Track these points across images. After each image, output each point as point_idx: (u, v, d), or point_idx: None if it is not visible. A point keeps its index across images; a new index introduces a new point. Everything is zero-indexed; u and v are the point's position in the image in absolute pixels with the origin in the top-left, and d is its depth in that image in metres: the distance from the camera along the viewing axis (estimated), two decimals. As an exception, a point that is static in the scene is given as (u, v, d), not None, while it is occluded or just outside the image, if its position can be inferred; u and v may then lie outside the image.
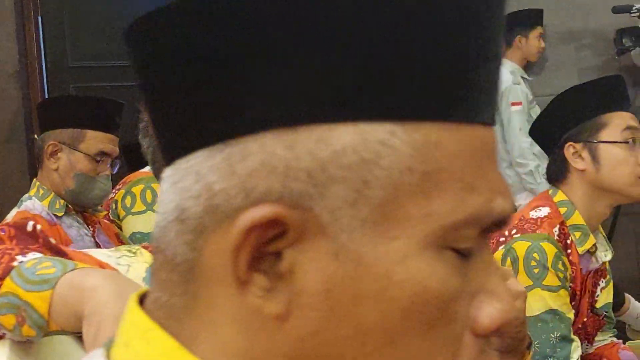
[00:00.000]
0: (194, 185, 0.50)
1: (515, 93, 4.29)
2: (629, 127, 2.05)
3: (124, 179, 2.82)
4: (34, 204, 2.48)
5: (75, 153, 2.48)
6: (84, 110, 2.49)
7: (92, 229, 2.57)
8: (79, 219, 2.55)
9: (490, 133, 0.53)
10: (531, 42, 4.46)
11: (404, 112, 0.49)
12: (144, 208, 2.71)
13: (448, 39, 0.50)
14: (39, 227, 1.09)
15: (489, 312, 0.53)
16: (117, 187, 2.78)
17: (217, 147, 0.50)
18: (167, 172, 0.53)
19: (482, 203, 0.51)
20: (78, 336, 0.99)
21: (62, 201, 2.49)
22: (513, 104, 4.29)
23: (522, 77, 4.45)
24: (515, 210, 2.64)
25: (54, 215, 2.46)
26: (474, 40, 0.51)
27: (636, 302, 3.54)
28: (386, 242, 0.49)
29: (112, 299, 0.88)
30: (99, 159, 2.49)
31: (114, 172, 2.60)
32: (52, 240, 1.08)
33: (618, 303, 3.40)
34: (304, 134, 0.48)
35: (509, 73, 4.37)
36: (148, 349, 0.52)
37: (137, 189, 2.74)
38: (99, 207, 2.63)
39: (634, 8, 4.08)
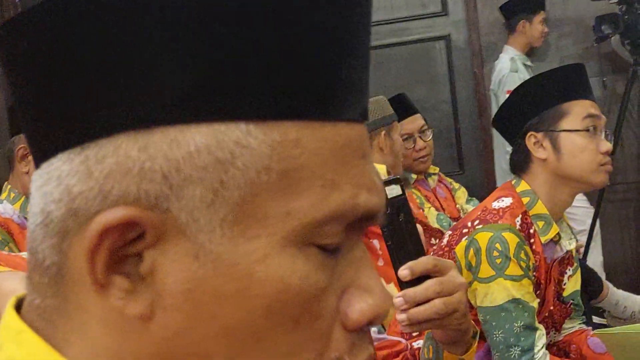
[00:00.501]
0: (55, 189, 0.51)
1: (512, 81, 4.29)
2: (589, 115, 2.05)
3: None
4: (5, 207, 2.48)
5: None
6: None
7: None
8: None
9: (358, 129, 0.53)
10: (535, 27, 4.46)
11: (260, 112, 0.49)
12: None
13: (305, 37, 0.50)
14: None
15: (359, 306, 0.53)
16: None
17: (75, 150, 0.50)
18: (35, 176, 0.54)
19: (345, 199, 0.51)
20: None
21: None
22: (509, 92, 4.30)
23: (525, 64, 4.43)
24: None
25: (25, 218, 2.47)
26: (335, 39, 0.51)
27: (615, 289, 3.55)
28: (246, 241, 0.49)
29: None
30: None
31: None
32: None
33: (596, 290, 3.41)
34: (157, 136, 0.48)
35: (508, 60, 4.36)
36: (20, 351, 0.52)
37: None
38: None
39: (612, -6, 4.09)
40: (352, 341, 0.54)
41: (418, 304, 1.15)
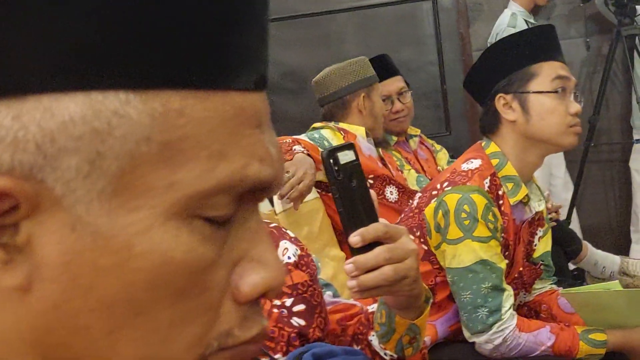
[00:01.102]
0: None
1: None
2: (558, 77, 2.05)
3: None
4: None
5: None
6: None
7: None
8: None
9: (252, 98, 0.52)
10: None
11: (140, 81, 0.47)
12: None
13: (189, 3, 0.48)
14: None
15: (251, 279, 0.53)
16: None
17: None
18: None
19: (232, 170, 0.50)
20: None
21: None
22: None
23: (526, 21, 4.40)
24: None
25: None
26: (222, 5, 0.50)
27: (594, 249, 3.57)
28: (126, 213, 0.48)
29: None
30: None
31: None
32: None
33: (576, 250, 3.43)
34: (31, 104, 0.46)
35: (509, 15, 4.34)
36: None
37: None
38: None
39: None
40: (243, 314, 0.53)
41: (368, 271, 1.16)
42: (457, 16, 4.75)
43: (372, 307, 1.42)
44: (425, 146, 3.56)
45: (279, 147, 0.56)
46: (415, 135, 3.51)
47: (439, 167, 3.48)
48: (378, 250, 1.16)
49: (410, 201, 2.99)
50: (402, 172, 3.13)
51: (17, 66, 0.47)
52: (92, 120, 0.47)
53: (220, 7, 0.49)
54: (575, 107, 2.05)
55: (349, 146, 1.18)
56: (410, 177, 3.17)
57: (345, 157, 1.17)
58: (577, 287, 2.21)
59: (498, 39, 4.27)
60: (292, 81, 4.78)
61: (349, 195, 1.16)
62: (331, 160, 1.15)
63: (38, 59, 0.47)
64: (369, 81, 3.02)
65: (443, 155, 3.59)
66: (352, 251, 1.17)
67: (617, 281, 2.27)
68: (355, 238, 1.15)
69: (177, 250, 0.49)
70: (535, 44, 2.08)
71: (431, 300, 1.32)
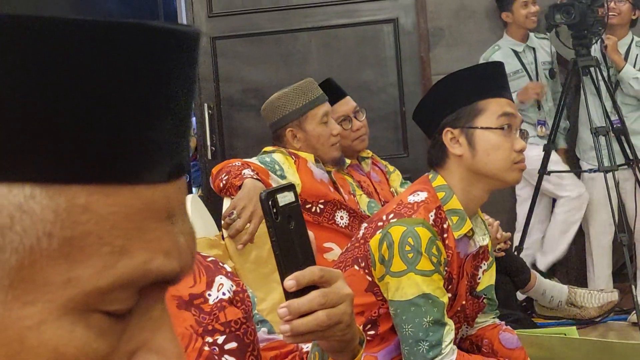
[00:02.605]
0: None
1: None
2: (505, 114, 2.07)
3: None
4: None
5: None
6: None
7: None
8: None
9: (164, 189, 0.51)
10: (517, 13, 4.46)
11: (45, 175, 0.46)
12: None
13: (101, 100, 0.47)
14: None
15: None
16: None
17: None
18: None
19: (134, 266, 0.49)
20: None
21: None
22: None
23: (513, 50, 4.48)
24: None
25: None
26: (140, 101, 0.49)
27: (542, 279, 3.61)
28: (21, 306, 0.47)
29: None
30: None
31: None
32: None
33: (524, 280, 3.47)
34: None
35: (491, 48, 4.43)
36: None
37: None
38: None
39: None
40: None
41: (302, 315, 1.16)
42: (418, 40, 4.78)
43: (307, 347, 1.42)
44: (378, 167, 3.57)
45: (192, 234, 0.55)
46: (368, 157, 3.53)
47: (392, 189, 3.49)
48: (312, 294, 1.16)
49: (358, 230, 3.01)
50: (354, 197, 3.13)
51: None
52: None
53: (133, 101, 0.49)
54: (521, 144, 2.07)
55: (289, 187, 1.18)
56: (362, 202, 3.18)
57: (285, 198, 1.16)
58: (531, 330, 2.23)
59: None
60: (254, 98, 4.78)
61: (286, 238, 1.16)
62: (270, 203, 1.15)
63: None
64: (298, 113, 3.03)
65: (396, 177, 3.61)
66: (286, 295, 1.17)
67: (574, 327, 2.29)
68: (290, 282, 1.15)
69: (69, 345, 0.48)
70: (484, 81, 2.10)
71: (365, 343, 1.32)
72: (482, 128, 2.06)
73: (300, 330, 1.16)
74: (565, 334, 2.13)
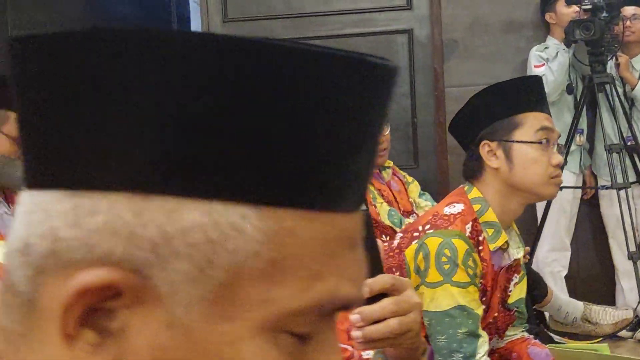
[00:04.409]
0: (41, 225, 0.50)
1: (534, 56, 4.36)
2: (543, 128, 2.08)
3: None
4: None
5: (-3, 134, 2.45)
6: (8, 91, 2.43)
7: (12, 207, 2.55)
8: (-1, 197, 2.52)
9: (351, 219, 0.53)
10: (561, 13, 4.43)
11: (260, 198, 0.49)
12: None
13: (317, 132, 0.50)
14: None
15: None
16: None
17: (68, 193, 0.50)
18: (23, 197, 0.54)
19: (326, 290, 0.51)
20: None
21: (-18, 180, 2.46)
22: (535, 66, 4.33)
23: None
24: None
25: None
26: (347, 135, 0.51)
27: (558, 294, 3.62)
28: (221, 321, 0.49)
29: None
30: (20, 141, 2.45)
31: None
32: None
33: (541, 295, 3.48)
34: (154, 204, 0.48)
35: (538, 52, 4.40)
36: None
37: None
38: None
39: (585, 0, 4.11)
40: None
41: (373, 322, 1.17)
42: (432, 51, 4.79)
43: (366, 354, 1.43)
44: (398, 177, 3.58)
45: (364, 263, 0.56)
46: (389, 167, 3.53)
47: (410, 199, 3.50)
48: (385, 302, 1.16)
49: (384, 236, 3.01)
50: (375, 207, 3.14)
51: (146, 166, 0.48)
52: (209, 230, 0.48)
53: (341, 132, 0.51)
54: (558, 158, 2.08)
55: None
56: (382, 211, 3.18)
57: None
58: (563, 345, 2.24)
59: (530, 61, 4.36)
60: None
61: None
62: None
63: (166, 164, 0.48)
64: None
65: (415, 188, 3.61)
66: None
67: (605, 344, 2.29)
68: (362, 289, 1.16)
69: None
70: (522, 94, 2.11)
71: (427, 352, 1.32)
72: (520, 142, 2.07)
73: (372, 336, 1.17)
74: (596, 350, 2.14)
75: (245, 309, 0.49)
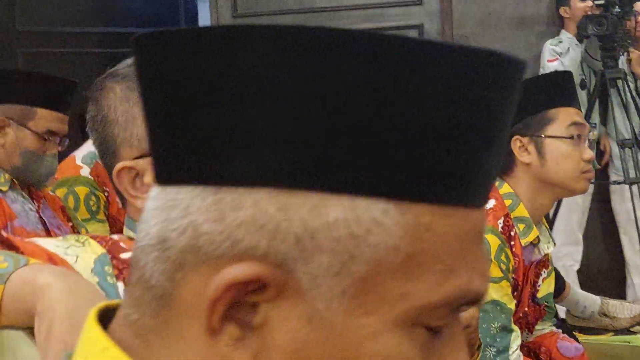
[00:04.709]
0: (180, 220, 0.51)
1: (547, 51, 4.38)
2: (574, 123, 2.09)
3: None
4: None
5: (24, 130, 2.43)
6: (36, 88, 2.43)
7: (37, 204, 2.54)
8: (24, 193, 2.51)
9: (480, 215, 0.54)
10: (575, 7, 4.44)
11: (401, 192, 0.49)
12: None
13: (455, 124, 0.50)
14: None
15: None
16: None
17: (210, 189, 0.50)
18: (155, 192, 0.54)
19: (459, 285, 0.52)
20: (29, 330, 0.99)
21: (7, 175, 2.45)
22: (549, 60, 4.34)
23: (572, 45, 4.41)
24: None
25: (-2, 189, 2.43)
26: (483, 129, 0.52)
27: (576, 289, 3.62)
28: (360, 315, 0.50)
29: (64, 297, 0.89)
30: (47, 137, 2.45)
31: (62, 150, 2.57)
32: (3, 233, 1.08)
33: (559, 289, 3.48)
34: (299, 199, 0.49)
35: (552, 46, 4.40)
36: None
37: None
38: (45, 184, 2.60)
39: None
40: None
41: None
42: (443, 47, 4.79)
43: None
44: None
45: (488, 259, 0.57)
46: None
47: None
48: None
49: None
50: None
51: (290, 161, 0.49)
52: (352, 225, 0.49)
53: (481, 129, 0.51)
54: (589, 153, 2.09)
55: None
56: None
57: None
58: (596, 336, 2.24)
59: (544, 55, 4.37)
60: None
61: None
62: None
63: (312, 160, 0.49)
64: None
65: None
66: None
67: (638, 336, 2.30)
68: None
69: (398, 357, 0.51)
70: (553, 89, 2.11)
71: (481, 349, 1.33)
72: (552, 137, 2.08)
73: None
74: (629, 342, 2.14)
75: (384, 303, 0.50)
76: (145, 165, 1.14)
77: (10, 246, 1.06)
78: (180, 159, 0.52)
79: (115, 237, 1.19)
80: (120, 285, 1.09)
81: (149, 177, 1.14)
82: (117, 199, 2.95)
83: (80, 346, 0.56)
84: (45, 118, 2.45)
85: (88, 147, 2.96)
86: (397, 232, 0.49)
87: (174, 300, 0.51)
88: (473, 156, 0.51)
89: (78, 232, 2.62)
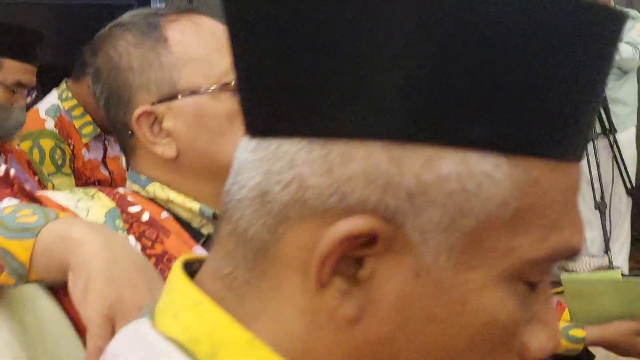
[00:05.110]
0: (285, 173, 0.50)
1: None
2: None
3: None
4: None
5: (-10, 82, 2.38)
6: (3, 39, 2.38)
7: (4, 157, 2.50)
8: (-10, 146, 2.47)
9: (577, 169, 0.54)
10: None
11: (512, 146, 0.49)
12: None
13: (569, 79, 0.50)
14: (12, 171, 1.06)
15: (540, 340, 0.55)
16: None
17: (318, 142, 0.50)
18: (251, 144, 0.53)
19: (562, 241, 0.52)
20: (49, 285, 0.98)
21: (-26, 129, 2.40)
22: None
23: None
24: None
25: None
26: (587, 82, 0.52)
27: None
28: (467, 270, 0.50)
29: (100, 251, 0.87)
30: (15, 89, 2.40)
31: (30, 102, 2.52)
32: (26, 187, 1.06)
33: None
34: (413, 153, 0.48)
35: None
36: (200, 323, 0.53)
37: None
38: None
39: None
40: None
41: None
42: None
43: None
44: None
45: None
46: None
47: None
48: None
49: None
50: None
51: (405, 114, 0.48)
52: (464, 179, 0.49)
53: (587, 83, 0.51)
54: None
55: None
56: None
57: None
58: (574, 275, 2.26)
59: None
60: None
61: None
62: None
63: (428, 113, 0.48)
64: None
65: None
66: None
67: (619, 270, 2.33)
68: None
69: (503, 312, 0.51)
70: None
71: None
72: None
73: None
74: (608, 278, 2.15)
75: (490, 257, 0.50)
76: (164, 110, 1.12)
77: (32, 199, 1.05)
78: (285, 112, 0.51)
79: (121, 190, 1.18)
80: (131, 239, 1.08)
81: (167, 122, 1.12)
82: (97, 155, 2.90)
83: (167, 300, 0.56)
84: (13, 69, 2.40)
85: (51, 100, 2.91)
86: (508, 186, 0.49)
87: (273, 254, 0.51)
88: (579, 110, 0.52)
89: (44, 187, 2.58)
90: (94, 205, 1.09)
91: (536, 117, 0.49)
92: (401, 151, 0.48)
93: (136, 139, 1.16)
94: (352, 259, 0.50)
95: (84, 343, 0.96)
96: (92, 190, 1.14)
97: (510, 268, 0.50)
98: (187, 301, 0.54)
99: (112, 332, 0.83)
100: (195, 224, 1.16)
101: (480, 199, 0.49)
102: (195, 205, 1.14)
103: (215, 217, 1.16)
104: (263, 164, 0.52)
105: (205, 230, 1.16)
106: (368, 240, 0.49)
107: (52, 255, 0.90)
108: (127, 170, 1.22)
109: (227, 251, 0.54)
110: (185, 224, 1.15)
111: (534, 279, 0.52)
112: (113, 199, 1.12)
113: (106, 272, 0.85)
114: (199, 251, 1.12)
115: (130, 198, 1.14)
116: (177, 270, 0.56)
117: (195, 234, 1.15)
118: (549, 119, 0.50)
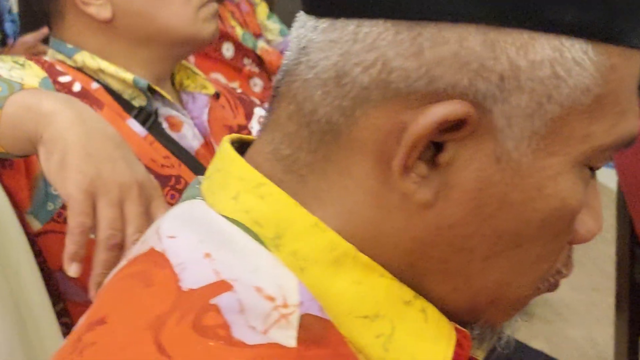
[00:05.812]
0: (366, 54, 0.49)
1: None
2: None
3: None
4: None
5: None
6: None
7: None
8: None
9: None
10: None
11: (597, 32, 0.49)
12: None
13: None
14: None
15: (589, 225, 0.56)
16: None
17: (405, 24, 0.48)
18: (320, 24, 0.51)
19: (628, 128, 0.53)
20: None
21: None
22: None
23: None
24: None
25: None
26: None
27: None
28: (544, 156, 0.50)
29: (75, 125, 0.82)
30: None
31: None
32: None
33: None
34: (507, 38, 0.48)
35: None
36: (263, 205, 0.51)
37: None
38: None
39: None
40: (568, 254, 0.57)
41: None
42: None
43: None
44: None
45: None
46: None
47: (258, 22, 3.45)
48: None
49: (246, 59, 2.99)
50: (234, 28, 3.08)
51: None
52: (556, 65, 0.49)
53: None
54: None
55: None
56: (238, 34, 3.13)
57: None
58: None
59: None
60: None
61: None
62: None
63: None
64: None
65: (262, 10, 3.56)
66: None
67: None
68: None
69: (572, 197, 0.52)
70: None
71: None
72: None
73: None
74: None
75: (568, 144, 0.51)
76: None
77: None
78: None
79: (47, 58, 1.11)
80: None
81: None
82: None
83: (220, 181, 0.53)
84: None
85: None
86: (592, 72, 0.50)
87: (345, 137, 0.50)
88: None
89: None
90: (27, 75, 1.03)
91: (618, 5, 0.49)
92: (496, 35, 0.48)
93: (64, 2, 1.08)
94: (435, 144, 0.49)
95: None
96: (21, 59, 1.06)
97: (584, 154, 0.51)
98: (246, 183, 0.52)
99: (93, 209, 0.79)
100: (126, 95, 1.11)
101: (568, 86, 0.49)
102: (129, 76, 1.09)
103: (150, 89, 1.11)
104: (339, 45, 0.50)
105: (136, 103, 1.11)
106: (455, 124, 0.48)
107: (20, 127, 0.84)
108: (49, 38, 1.15)
109: (287, 132, 0.52)
110: (116, 95, 1.10)
111: (599, 164, 0.53)
112: (42, 68, 1.06)
113: (84, 147, 0.81)
114: (132, 125, 1.08)
115: (59, 67, 1.08)
116: (228, 150, 0.54)
117: (127, 106, 1.10)
118: (630, 5, 0.50)
